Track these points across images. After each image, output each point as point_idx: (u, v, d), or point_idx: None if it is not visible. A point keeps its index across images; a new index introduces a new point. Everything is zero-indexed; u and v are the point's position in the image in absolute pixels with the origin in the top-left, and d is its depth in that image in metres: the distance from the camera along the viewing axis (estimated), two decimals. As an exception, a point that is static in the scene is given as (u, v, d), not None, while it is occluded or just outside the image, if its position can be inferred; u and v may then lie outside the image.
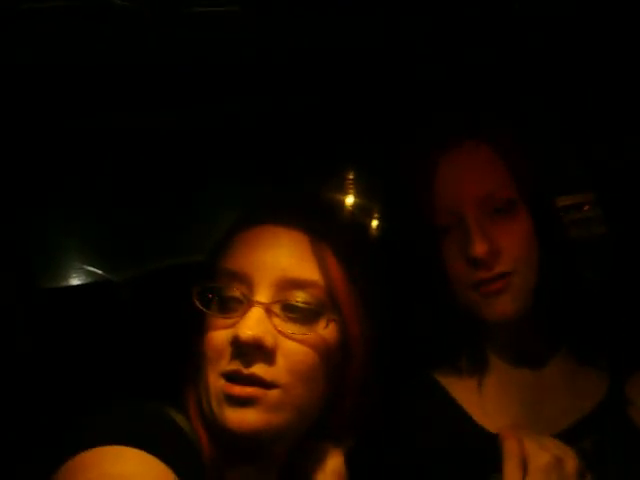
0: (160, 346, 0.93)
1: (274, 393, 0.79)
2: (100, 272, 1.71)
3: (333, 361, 0.85)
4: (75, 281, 1.74)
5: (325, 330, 0.83)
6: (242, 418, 0.78)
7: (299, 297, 0.82)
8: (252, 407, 0.78)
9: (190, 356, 0.86)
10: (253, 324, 0.79)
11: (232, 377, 0.79)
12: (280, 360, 0.80)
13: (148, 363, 0.97)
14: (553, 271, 0.99)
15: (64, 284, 1.74)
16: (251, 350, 0.78)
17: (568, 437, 0.96)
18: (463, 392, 1.03)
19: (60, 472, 0.68)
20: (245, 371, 0.79)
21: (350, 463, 0.91)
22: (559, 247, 1.02)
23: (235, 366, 0.79)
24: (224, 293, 0.83)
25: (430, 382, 1.05)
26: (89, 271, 1.76)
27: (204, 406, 0.82)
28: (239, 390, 0.78)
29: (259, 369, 0.79)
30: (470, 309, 0.98)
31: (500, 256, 0.94)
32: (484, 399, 1.02)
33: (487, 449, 0.97)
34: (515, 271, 0.95)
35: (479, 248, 0.92)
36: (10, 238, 1.52)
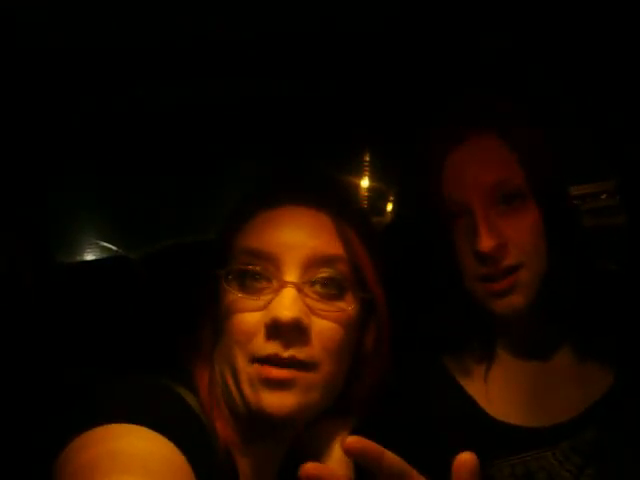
0: (171, 326, 0.93)
1: (309, 374, 0.79)
2: (115, 248, 1.73)
3: (356, 338, 0.86)
4: (90, 256, 1.76)
5: (352, 307, 0.83)
6: (280, 401, 0.77)
7: (326, 273, 0.81)
8: (290, 389, 0.78)
9: (202, 337, 0.86)
10: (290, 304, 0.77)
11: (268, 360, 0.78)
12: (314, 339, 0.79)
13: (158, 342, 0.98)
14: (562, 262, 0.98)
15: (80, 259, 1.76)
16: (289, 331, 0.77)
17: (571, 428, 0.96)
18: (470, 378, 1.03)
19: (68, 449, 0.68)
20: (284, 354, 0.77)
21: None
22: (569, 238, 1.00)
23: (272, 349, 0.78)
24: (248, 273, 0.81)
25: (438, 366, 1.05)
26: (104, 247, 1.78)
27: (231, 389, 0.81)
28: (277, 373, 0.77)
29: (297, 351, 0.78)
30: (478, 300, 0.97)
31: (507, 249, 0.92)
32: (490, 386, 1.01)
33: (490, 435, 0.97)
34: (523, 264, 0.93)
35: (486, 243, 0.91)
36: (28, 212, 1.53)
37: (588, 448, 0.95)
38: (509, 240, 0.92)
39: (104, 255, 1.74)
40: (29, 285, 1.41)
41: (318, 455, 0.91)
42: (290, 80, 1.32)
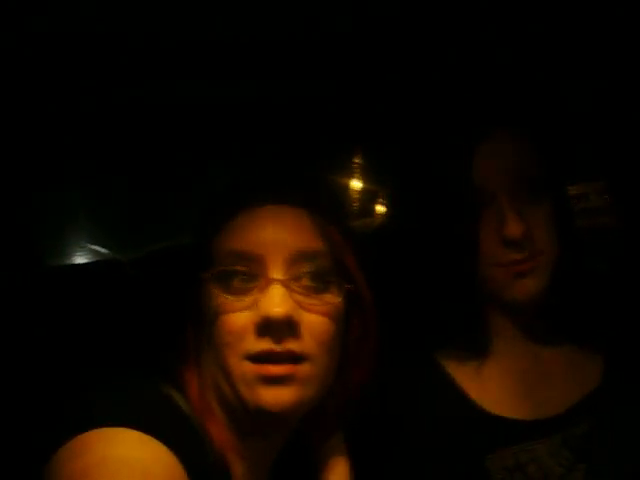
0: (160, 330, 0.93)
1: (305, 367, 0.80)
2: (105, 251, 1.72)
3: (343, 329, 0.88)
4: (80, 259, 1.75)
5: (339, 299, 0.85)
6: (279, 397, 0.78)
7: (310, 268, 0.83)
8: (286, 384, 0.79)
9: (189, 341, 0.86)
10: (280, 301, 0.79)
11: (262, 358, 0.79)
12: (305, 333, 0.81)
13: (147, 346, 0.97)
14: (568, 257, 0.99)
15: (69, 262, 1.75)
16: (280, 327, 0.79)
17: (562, 421, 0.98)
18: (463, 373, 1.04)
19: (59, 453, 0.68)
20: (278, 348, 0.79)
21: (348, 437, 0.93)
22: (573, 234, 1.03)
23: (265, 345, 0.79)
24: (232, 274, 0.83)
25: (429, 361, 1.06)
26: (95, 250, 1.76)
27: (225, 390, 0.81)
28: (274, 369, 0.79)
29: (291, 344, 0.79)
30: (491, 288, 0.98)
31: (532, 237, 0.95)
32: (483, 380, 1.02)
33: (484, 430, 0.98)
34: (544, 252, 0.96)
35: (514, 229, 0.93)
36: (17, 215, 1.52)
37: (579, 443, 0.96)
38: (534, 228, 0.94)
39: (93, 258, 1.73)
40: (17, 288, 1.41)
41: (310, 456, 0.91)
42: (281, 81, 1.32)
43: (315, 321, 0.82)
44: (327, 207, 0.90)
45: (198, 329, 0.85)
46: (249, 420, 0.81)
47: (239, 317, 0.81)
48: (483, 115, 1.02)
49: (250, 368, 0.79)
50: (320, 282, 0.84)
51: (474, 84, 1.14)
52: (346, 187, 1.78)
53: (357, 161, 1.74)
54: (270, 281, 0.80)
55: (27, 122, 1.34)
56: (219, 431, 0.81)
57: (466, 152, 0.97)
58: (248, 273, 0.82)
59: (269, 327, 0.78)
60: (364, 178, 1.76)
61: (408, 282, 1.05)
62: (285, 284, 0.81)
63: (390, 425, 1.00)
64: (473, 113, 1.03)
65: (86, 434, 0.68)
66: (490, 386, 1.01)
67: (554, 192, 0.99)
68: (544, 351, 1.04)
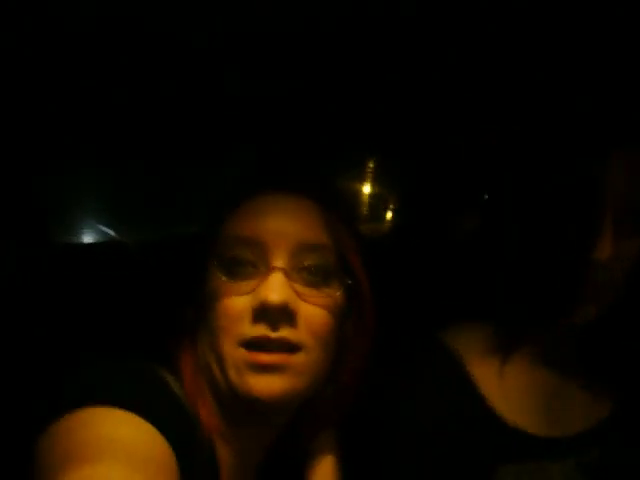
0: (158, 313, 0.93)
1: (299, 357, 0.81)
2: (112, 233, 1.72)
3: (340, 324, 0.88)
4: (86, 239, 1.75)
5: (338, 293, 0.85)
6: (268, 385, 0.79)
7: (313, 260, 0.84)
8: (278, 373, 0.79)
9: (187, 325, 0.87)
10: (278, 288, 0.79)
11: (256, 344, 0.80)
12: (301, 323, 0.82)
13: (145, 328, 0.98)
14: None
15: (76, 240, 1.76)
16: (277, 314, 0.79)
17: (577, 443, 0.95)
18: (484, 375, 1.00)
19: (51, 430, 0.68)
20: (273, 335, 0.79)
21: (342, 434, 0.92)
22: None
23: (260, 331, 0.80)
24: (235, 259, 0.83)
25: (449, 356, 1.01)
26: (102, 230, 1.77)
27: (215, 375, 0.82)
28: (265, 358, 0.79)
29: (286, 332, 0.80)
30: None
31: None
32: (504, 386, 0.99)
33: (498, 439, 0.96)
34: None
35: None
36: (27, 191, 1.53)
37: (591, 469, 0.94)
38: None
39: (100, 239, 1.73)
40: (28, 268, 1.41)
41: (301, 453, 0.91)
42: (296, 81, 1.32)
43: (312, 312, 0.82)
44: (337, 202, 0.91)
45: (198, 313, 0.86)
46: (239, 407, 0.82)
47: (237, 301, 0.81)
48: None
49: (242, 355, 0.79)
50: (321, 275, 0.84)
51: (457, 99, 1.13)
52: (357, 191, 1.78)
53: (371, 165, 1.74)
54: (272, 269, 0.81)
55: (43, 101, 1.34)
56: (208, 415, 0.81)
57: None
58: (251, 259, 0.83)
59: (265, 313, 0.79)
60: (375, 182, 1.76)
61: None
62: (286, 273, 0.81)
63: (395, 420, 0.98)
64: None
65: (79, 412, 0.68)
66: (510, 393, 0.99)
67: None
68: (567, 370, 1.02)
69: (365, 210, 1.79)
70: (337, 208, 0.90)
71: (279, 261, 0.82)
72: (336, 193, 0.95)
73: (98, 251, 1.62)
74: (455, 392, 0.99)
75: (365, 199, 1.85)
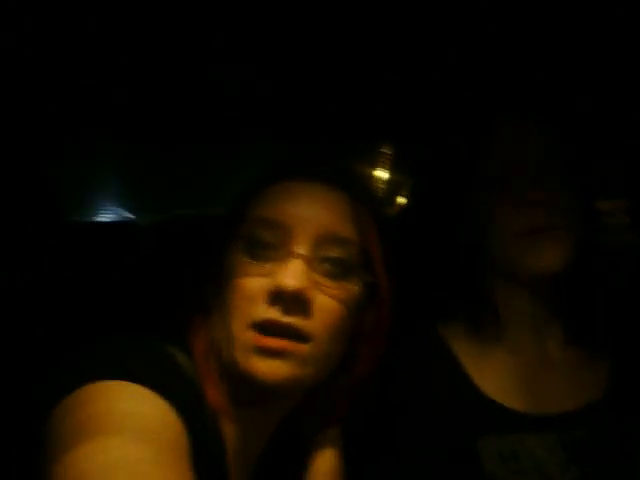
0: (173, 292, 0.94)
1: (307, 347, 0.80)
2: (127, 213, 1.74)
3: (355, 319, 0.86)
4: (101, 218, 1.77)
5: (356, 288, 0.84)
6: (271, 370, 0.78)
7: (336, 253, 0.82)
8: (282, 359, 0.78)
9: (203, 304, 0.87)
10: (296, 275, 0.78)
11: (266, 328, 0.79)
12: (315, 313, 0.80)
13: (159, 306, 0.99)
14: (589, 245, 1.01)
15: (89, 220, 1.77)
16: (291, 301, 0.78)
17: (560, 422, 0.97)
18: (468, 354, 1.03)
19: (65, 402, 0.69)
20: (283, 319, 0.78)
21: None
22: (596, 223, 1.06)
23: (272, 315, 0.79)
24: (258, 241, 0.82)
25: (434, 337, 1.05)
26: (116, 210, 1.79)
27: (223, 353, 0.82)
28: (272, 342, 0.78)
29: (296, 320, 0.79)
30: (509, 261, 0.99)
31: (555, 208, 0.96)
32: (487, 364, 1.02)
33: (478, 413, 0.98)
34: (566, 226, 0.97)
35: (538, 193, 0.95)
36: (42, 171, 1.54)
37: (575, 446, 0.96)
38: (558, 202, 0.97)
39: (114, 218, 1.75)
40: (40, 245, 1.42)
41: (303, 448, 0.92)
42: (314, 69, 1.32)
43: (327, 304, 0.81)
44: (368, 197, 0.89)
45: (215, 292, 0.86)
46: (244, 388, 0.82)
47: (254, 282, 0.80)
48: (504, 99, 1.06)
49: (251, 337, 0.79)
50: (342, 269, 0.83)
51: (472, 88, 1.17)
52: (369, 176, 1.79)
53: (384, 151, 1.74)
54: (292, 254, 0.80)
55: (62, 79, 1.35)
56: (216, 394, 0.81)
57: (488, 130, 1.02)
58: (273, 242, 0.81)
59: (280, 297, 0.78)
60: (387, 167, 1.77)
61: (419, 258, 1.07)
62: (307, 260, 0.80)
63: (387, 400, 1.00)
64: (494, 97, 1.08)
65: (93, 385, 0.69)
66: (492, 372, 1.02)
67: (577, 179, 1.01)
68: (552, 350, 1.04)
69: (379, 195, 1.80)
70: (367, 203, 0.88)
71: (302, 248, 0.80)
72: (367, 188, 0.93)
73: (108, 230, 1.63)
74: (441, 371, 1.03)
75: (378, 184, 1.86)
